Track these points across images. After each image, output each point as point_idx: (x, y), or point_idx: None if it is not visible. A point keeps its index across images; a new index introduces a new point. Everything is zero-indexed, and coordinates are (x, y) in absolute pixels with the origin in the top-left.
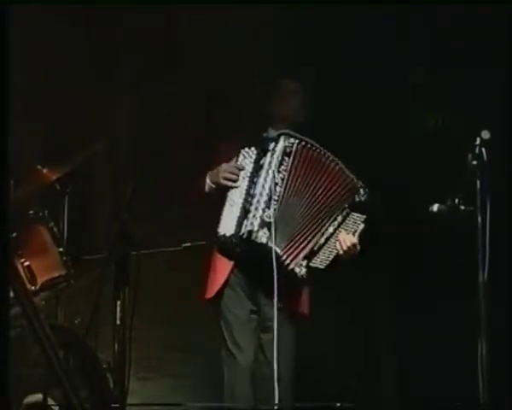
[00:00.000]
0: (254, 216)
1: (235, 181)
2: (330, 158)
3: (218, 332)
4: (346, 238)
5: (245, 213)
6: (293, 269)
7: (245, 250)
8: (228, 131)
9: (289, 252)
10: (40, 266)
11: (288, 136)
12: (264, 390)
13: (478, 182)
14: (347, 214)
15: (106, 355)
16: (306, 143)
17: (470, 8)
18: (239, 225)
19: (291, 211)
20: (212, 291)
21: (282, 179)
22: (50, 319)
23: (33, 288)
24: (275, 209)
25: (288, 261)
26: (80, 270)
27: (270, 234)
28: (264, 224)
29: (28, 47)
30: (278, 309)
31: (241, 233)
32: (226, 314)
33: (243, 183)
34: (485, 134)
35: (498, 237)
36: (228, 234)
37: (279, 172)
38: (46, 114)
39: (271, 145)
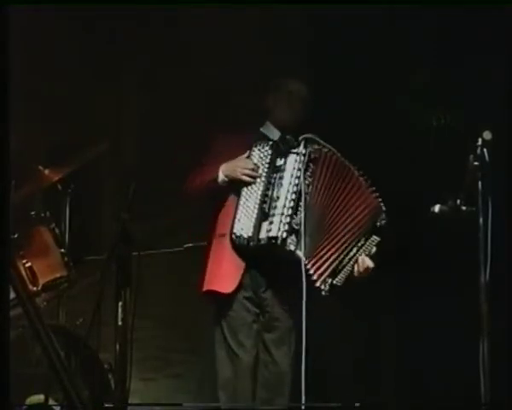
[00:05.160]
0: (281, 221)
1: (254, 178)
2: (356, 174)
3: (215, 329)
4: (365, 261)
5: (264, 215)
6: (317, 284)
7: (263, 253)
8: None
9: (315, 265)
10: (42, 267)
11: (313, 141)
12: (268, 390)
13: (479, 183)
14: (369, 237)
15: (107, 356)
16: (332, 151)
17: (470, 8)
18: (257, 226)
19: (317, 221)
20: (230, 285)
21: (308, 186)
22: (52, 319)
23: (35, 289)
24: (304, 216)
25: (314, 276)
26: (82, 271)
27: (298, 242)
28: (293, 231)
29: (28, 47)
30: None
31: (262, 236)
32: (231, 314)
33: (260, 182)
34: (487, 135)
35: (500, 237)
36: (245, 235)
37: (305, 178)
38: (47, 114)
39: (297, 148)
